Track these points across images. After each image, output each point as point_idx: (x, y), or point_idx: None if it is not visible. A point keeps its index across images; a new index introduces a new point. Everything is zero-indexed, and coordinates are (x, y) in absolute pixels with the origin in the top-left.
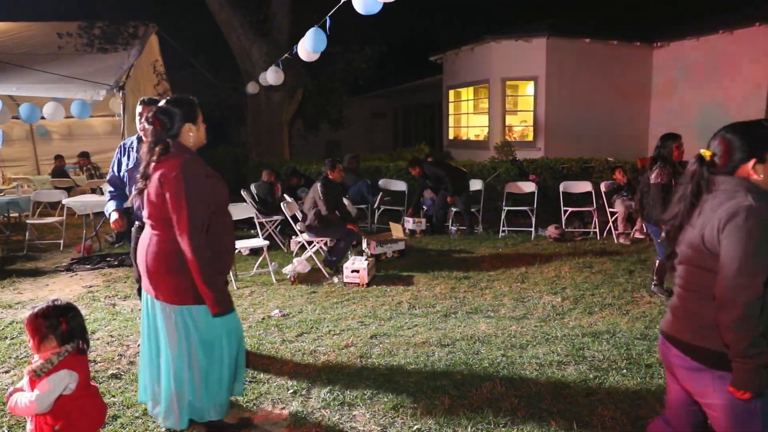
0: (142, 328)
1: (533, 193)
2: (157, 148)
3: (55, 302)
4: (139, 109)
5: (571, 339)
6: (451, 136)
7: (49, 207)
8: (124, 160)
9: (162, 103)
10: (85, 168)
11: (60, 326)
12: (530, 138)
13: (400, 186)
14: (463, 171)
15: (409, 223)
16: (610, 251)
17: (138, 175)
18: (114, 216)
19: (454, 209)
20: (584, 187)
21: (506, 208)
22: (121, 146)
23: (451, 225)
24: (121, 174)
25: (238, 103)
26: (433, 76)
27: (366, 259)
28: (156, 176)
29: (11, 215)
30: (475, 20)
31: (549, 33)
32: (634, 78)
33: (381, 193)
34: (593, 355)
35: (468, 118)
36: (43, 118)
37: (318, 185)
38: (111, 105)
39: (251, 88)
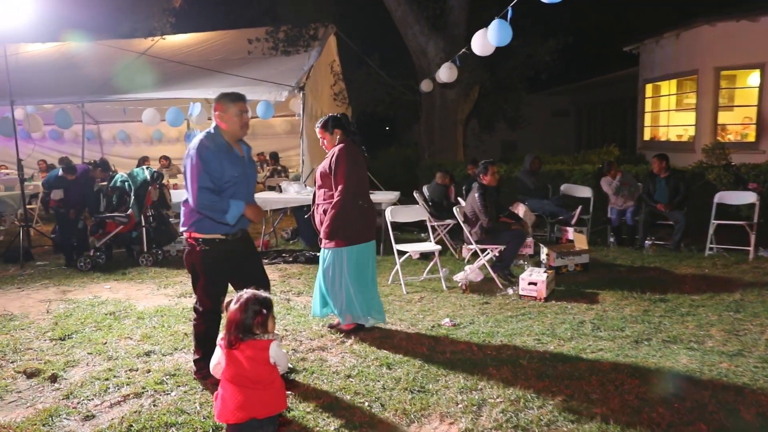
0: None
1: (753, 204)
2: None
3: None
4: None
5: None
6: (646, 137)
7: None
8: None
9: None
10: (264, 164)
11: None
12: (751, 138)
13: (584, 192)
14: None
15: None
16: None
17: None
18: None
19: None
20: None
21: (716, 222)
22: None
23: (646, 238)
24: None
25: (412, 101)
26: (625, 68)
27: (545, 271)
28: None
29: None
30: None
31: None
32: None
33: (579, 208)
34: None
35: (669, 116)
36: None
37: (476, 195)
38: (291, 105)
39: (425, 86)
